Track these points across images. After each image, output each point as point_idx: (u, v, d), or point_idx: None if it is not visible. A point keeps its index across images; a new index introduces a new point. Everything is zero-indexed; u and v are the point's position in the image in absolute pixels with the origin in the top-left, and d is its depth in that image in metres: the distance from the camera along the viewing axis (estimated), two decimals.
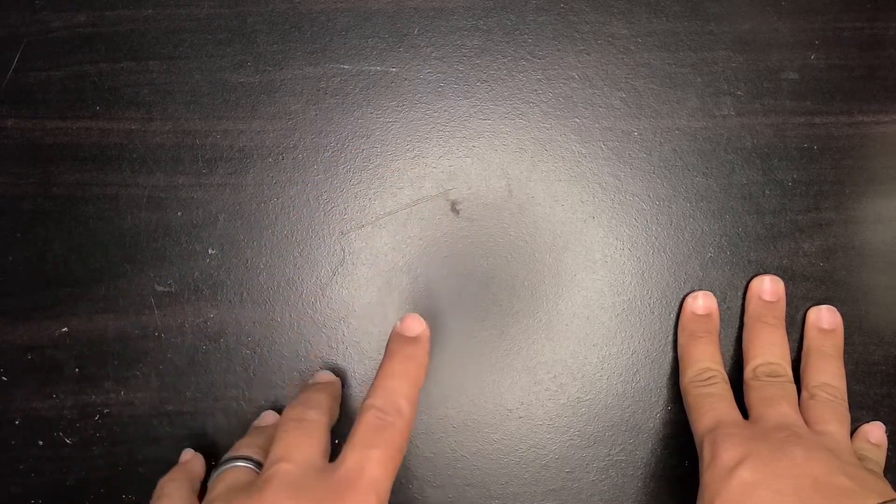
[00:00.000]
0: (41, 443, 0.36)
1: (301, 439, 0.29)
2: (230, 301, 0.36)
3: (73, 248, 0.36)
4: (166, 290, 0.36)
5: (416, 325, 0.31)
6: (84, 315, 0.36)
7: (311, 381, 0.35)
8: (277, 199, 0.36)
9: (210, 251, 0.36)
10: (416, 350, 0.31)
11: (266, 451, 0.30)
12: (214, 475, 0.30)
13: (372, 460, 0.27)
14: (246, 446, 0.32)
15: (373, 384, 0.30)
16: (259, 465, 0.30)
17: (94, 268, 0.36)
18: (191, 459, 0.34)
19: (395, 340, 0.31)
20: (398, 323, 0.32)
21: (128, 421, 0.36)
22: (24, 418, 0.36)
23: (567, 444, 0.36)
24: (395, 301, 0.36)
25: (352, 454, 0.28)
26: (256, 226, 0.36)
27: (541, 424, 0.36)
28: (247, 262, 0.36)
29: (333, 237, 0.36)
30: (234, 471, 0.30)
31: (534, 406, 0.36)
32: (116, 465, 0.36)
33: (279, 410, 0.36)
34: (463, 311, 0.36)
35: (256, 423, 0.35)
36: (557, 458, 0.36)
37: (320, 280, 0.36)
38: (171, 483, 0.32)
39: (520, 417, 0.36)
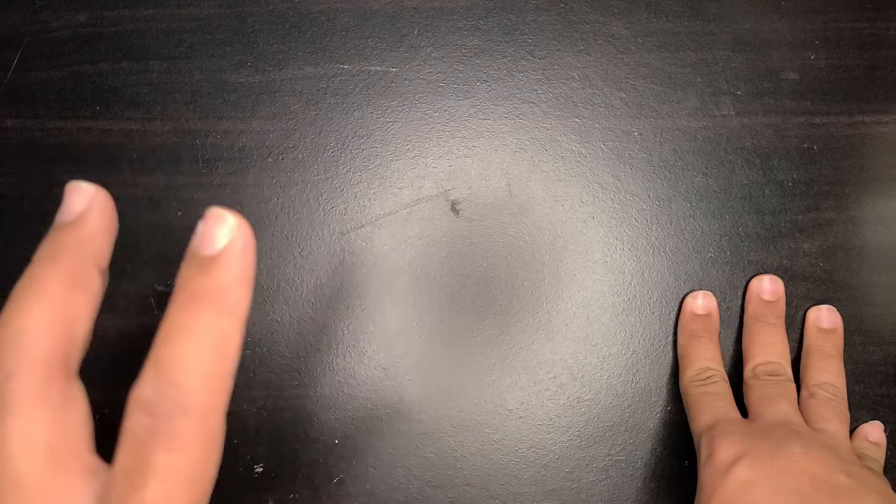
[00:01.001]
0: None
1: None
2: None
3: None
4: (166, 290, 0.36)
5: (219, 233, 0.18)
6: None
7: (55, 226, 0.20)
8: (277, 199, 0.36)
9: None
10: (222, 279, 0.18)
11: None
12: None
13: None
14: None
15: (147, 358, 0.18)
16: None
17: None
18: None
19: (188, 265, 0.18)
20: (201, 226, 0.18)
21: None
22: None
23: (567, 444, 0.36)
24: (395, 301, 0.36)
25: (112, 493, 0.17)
26: (256, 226, 0.36)
27: (541, 424, 0.36)
28: None
29: (333, 237, 0.36)
30: None
31: (534, 406, 0.36)
32: None
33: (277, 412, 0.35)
34: (463, 311, 0.36)
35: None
36: (557, 458, 0.36)
37: (320, 280, 0.36)
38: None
39: (520, 417, 0.36)
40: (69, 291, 0.18)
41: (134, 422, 0.18)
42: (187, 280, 0.18)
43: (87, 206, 0.19)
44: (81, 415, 0.18)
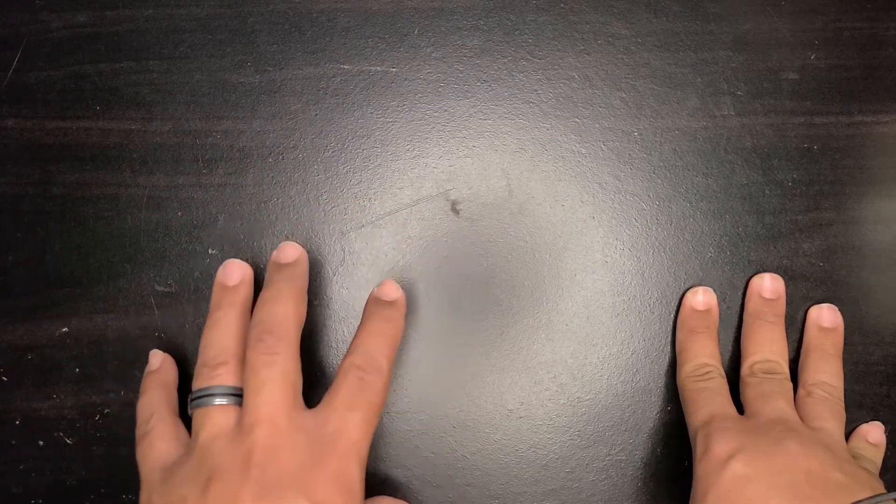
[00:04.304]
0: (41, 443, 0.36)
1: (277, 389, 0.28)
2: None
3: (73, 248, 0.36)
4: (166, 290, 0.36)
5: (392, 291, 0.33)
6: (84, 315, 0.36)
7: (272, 261, 0.33)
8: (277, 199, 0.36)
9: (210, 251, 0.36)
10: (394, 313, 0.32)
11: (239, 364, 0.30)
12: (193, 409, 0.29)
13: (353, 423, 0.28)
14: (217, 362, 0.30)
15: (353, 343, 0.31)
16: (236, 396, 0.29)
17: (94, 268, 0.36)
18: (161, 365, 0.34)
19: (374, 303, 0.32)
20: (375, 288, 0.33)
21: (128, 421, 0.36)
22: (24, 418, 0.36)
23: (567, 444, 0.36)
24: None
25: (334, 416, 0.29)
26: (256, 226, 0.36)
27: (541, 424, 0.36)
28: (247, 262, 0.36)
29: (333, 237, 0.36)
30: (214, 411, 0.29)
31: (534, 406, 0.36)
32: (116, 465, 0.36)
33: None
34: (463, 311, 0.36)
35: (218, 296, 0.32)
36: (557, 458, 0.36)
37: (320, 280, 0.36)
38: (154, 416, 0.31)
39: (520, 417, 0.36)
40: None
41: (349, 377, 0.29)
42: (378, 308, 0.32)
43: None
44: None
